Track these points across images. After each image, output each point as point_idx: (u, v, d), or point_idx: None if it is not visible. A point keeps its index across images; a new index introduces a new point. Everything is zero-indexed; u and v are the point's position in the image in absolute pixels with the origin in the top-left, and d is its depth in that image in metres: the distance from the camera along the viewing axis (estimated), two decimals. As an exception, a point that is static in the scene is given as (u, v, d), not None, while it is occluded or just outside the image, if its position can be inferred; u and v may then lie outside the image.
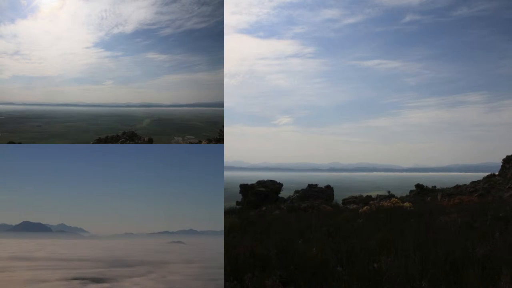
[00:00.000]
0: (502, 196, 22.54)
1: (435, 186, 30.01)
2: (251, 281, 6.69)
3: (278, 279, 6.74)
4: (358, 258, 7.81)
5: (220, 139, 19.41)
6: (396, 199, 21.19)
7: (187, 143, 31.52)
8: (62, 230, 73.68)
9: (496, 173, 28.56)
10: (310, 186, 31.35)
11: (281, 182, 31.33)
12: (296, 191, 31.48)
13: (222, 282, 7.13)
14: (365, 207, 18.75)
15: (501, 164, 28.68)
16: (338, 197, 30.64)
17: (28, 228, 65.82)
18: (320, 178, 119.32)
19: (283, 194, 31.48)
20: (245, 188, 30.14)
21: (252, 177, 44.67)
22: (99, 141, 21.89)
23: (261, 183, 30.73)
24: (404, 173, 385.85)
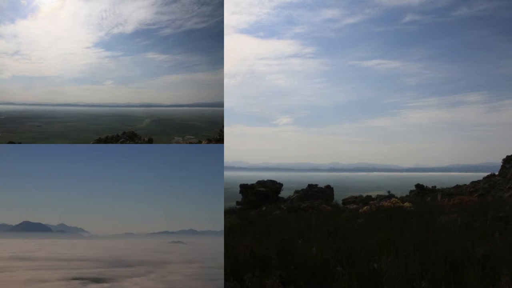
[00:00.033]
0: (502, 196, 22.55)
1: (435, 186, 30.01)
2: (251, 281, 6.69)
3: (278, 279, 6.74)
4: (358, 258, 7.81)
5: (220, 139, 19.41)
6: (396, 199, 21.19)
7: (187, 143, 31.52)
8: (62, 230, 73.68)
9: (496, 173, 28.57)
10: (310, 186, 31.35)
11: (281, 182, 31.33)
12: (296, 191, 31.49)
13: (222, 282, 7.13)
14: (365, 207, 18.75)
15: (501, 164, 28.69)
16: (338, 197, 30.65)
17: (28, 228, 65.82)
18: (320, 178, 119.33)
19: (283, 194, 31.48)
20: (245, 188, 30.14)
21: (252, 177, 44.68)
22: (99, 141, 21.89)
23: (261, 183, 30.74)
24: (404, 173, 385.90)
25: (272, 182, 30.95)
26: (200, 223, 64.91)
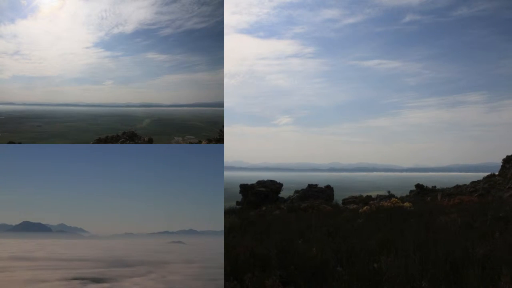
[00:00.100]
0: (502, 196, 22.55)
1: (435, 186, 30.02)
2: (251, 281, 6.69)
3: (278, 279, 6.74)
4: (358, 258, 7.81)
5: (220, 139, 19.41)
6: (396, 199, 21.19)
7: (187, 143, 31.52)
8: (62, 230, 73.69)
9: (496, 173, 28.58)
10: (310, 186, 31.35)
11: (281, 182, 31.33)
12: (296, 191, 31.48)
13: (222, 282, 7.13)
14: (365, 207, 18.75)
15: (501, 164, 28.70)
16: (338, 197, 30.64)
17: (28, 228, 65.83)
18: (320, 178, 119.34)
19: (283, 194, 31.48)
20: (245, 188, 30.14)
21: (252, 177, 44.68)
22: (99, 141, 21.89)
23: (261, 183, 30.74)
24: (404, 173, 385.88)
25: (272, 182, 30.95)
26: (200, 223, 64.90)
